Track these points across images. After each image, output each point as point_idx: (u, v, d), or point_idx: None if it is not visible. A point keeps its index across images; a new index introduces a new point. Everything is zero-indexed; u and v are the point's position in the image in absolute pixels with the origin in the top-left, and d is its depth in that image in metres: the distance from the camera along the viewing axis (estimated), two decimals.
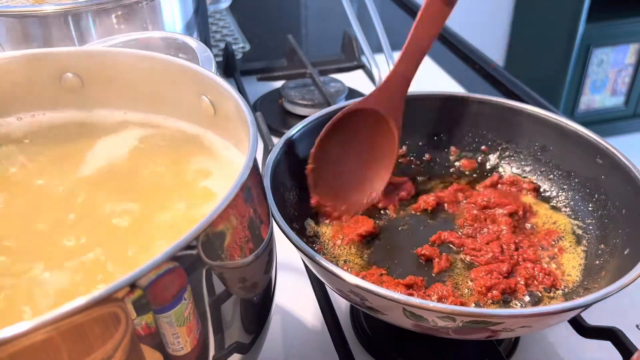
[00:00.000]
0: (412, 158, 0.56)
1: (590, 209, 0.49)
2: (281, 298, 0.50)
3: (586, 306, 0.36)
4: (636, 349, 0.41)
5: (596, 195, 0.49)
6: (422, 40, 0.49)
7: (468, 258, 0.46)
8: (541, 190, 0.53)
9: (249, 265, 0.30)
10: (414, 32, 0.49)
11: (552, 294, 0.43)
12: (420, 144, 0.57)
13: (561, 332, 0.47)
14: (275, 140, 0.67)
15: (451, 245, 0.48)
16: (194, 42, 0.45)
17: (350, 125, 0.50)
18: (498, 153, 0.56)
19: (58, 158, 0.39)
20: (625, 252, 0.43)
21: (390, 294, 0.35)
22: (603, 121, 2.05)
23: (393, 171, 0.51)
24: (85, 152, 0.39)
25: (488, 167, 0.56)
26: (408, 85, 0.50)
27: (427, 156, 0.57)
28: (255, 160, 0.30)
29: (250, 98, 0.81)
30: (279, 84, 0.83)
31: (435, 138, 0.57)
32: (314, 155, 0.49)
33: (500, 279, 0.43)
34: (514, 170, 0.55)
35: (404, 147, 0.56)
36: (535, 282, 0.44)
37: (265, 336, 0.35)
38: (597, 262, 0.45)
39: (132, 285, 0.22)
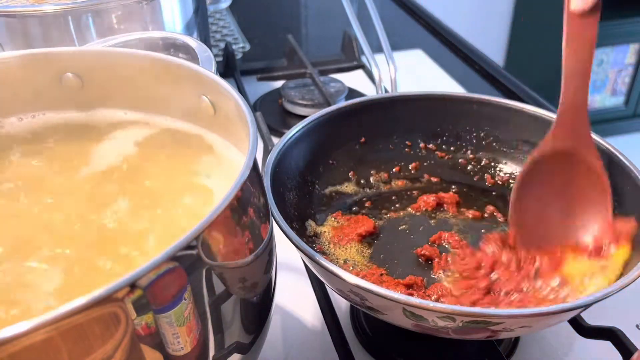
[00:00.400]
0: (411, 158, 0.57)
1: None
2: (281, 298, 0.50)
3: (586, 306, 0.36)
4: (636, 349, 0.41)
5: None
6: (577, 62, 0.43)
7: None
8: None
9: (249, 265, 0.30)
10: (565, 57, 0.43)
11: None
12: (420, 144, 0.57)
13: (561, 332, 0.47)
14: (275, 140, 0.67)
15: (448, 246, 0.48)
16: (194, 42, 0.45)
17: (544, 174, 0.44)
18: (498, 153, 0.56)
19: (58, 158, 0.39)
20: None
21: (390, 294, 0.35)
22: (603, 121, 2.05)
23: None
24: (86, 152, 0.39)
25: (488, 167, 0.56)
26: (585, 113, 0.44)
27: (427, 156, 0.57)
28: (255, 160, 0.30)
29: (250, 98, 0.82)
30: (279, 84, 0.83)
31: (436, 138, 0.57)
32: (513, 207, 0.44)
33: (481, 296, 0.41)
34: (513, 169, 0.55)
35: (406, 148, 0.56)
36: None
37: (265, 336, 0.35)
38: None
39: (132, 285, 0.22)
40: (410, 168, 0.56)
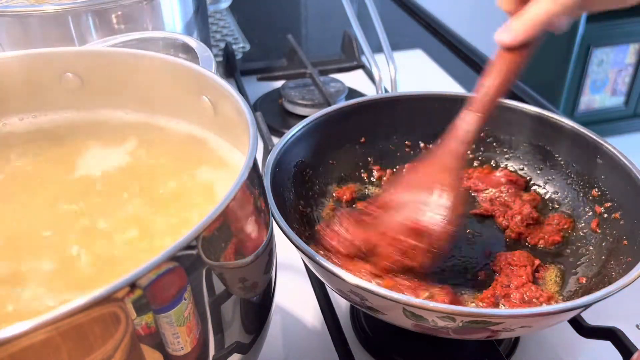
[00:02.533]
0: (412, 158, 0.57)
1: (589, 208, 0.49)
2: (281, 298, 0.50)
3: (586, 306, 0.36)
4: (636, 349, 0.41)
5: (596, 195, 0.49)
6: (483, 95, 0.43)
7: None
8: (540, 190, 0.53)
9: (249, 265, 0.30)
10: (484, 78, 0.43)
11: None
12: (420, 144, 0.57)
13: (561, 332, 0.47)
14: (275, 140, 0.67)
15: None
16: (194, 42, 0.45)
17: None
18: (498, 153, 0.56)
19: (58, 158, 0.39)
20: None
21: (390, 294, 0.35)
22: (603, 121, 2.04)
23: None
24: (86, 152, 0.39)
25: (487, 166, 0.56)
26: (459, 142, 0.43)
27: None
28: (255, 160, 0.30)
29: (250, 98, 0.82)
30: (279, 84, 0.83)
31: (435, 138, 0.57)
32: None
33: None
34: (514, 169, 0.55)
35: (407, 148, 0.56)
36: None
37: (265, 336, 0.35)
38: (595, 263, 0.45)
39: (132, 285, 0.22)
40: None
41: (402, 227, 0.41)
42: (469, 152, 0.56)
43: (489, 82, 0.43)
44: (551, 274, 0.46)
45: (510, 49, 0.42)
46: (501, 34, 0.42)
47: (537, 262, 0.46)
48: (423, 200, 0.41)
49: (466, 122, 0.43)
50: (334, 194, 0.53)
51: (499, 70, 0.42)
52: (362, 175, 0.55)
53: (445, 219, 0.40)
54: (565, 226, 0.49)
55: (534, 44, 0.41)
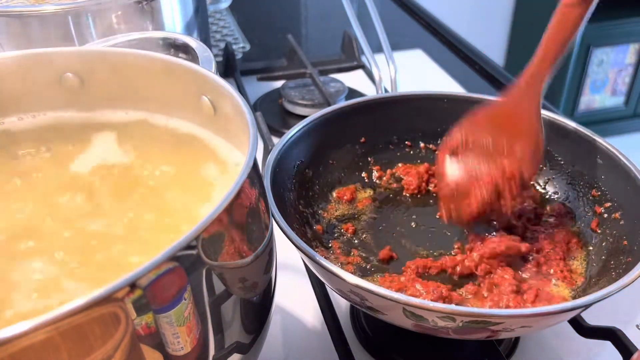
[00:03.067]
0: (412, 158, 0.57)
1: (588, 208, 0.49)
2: (281, 298, 0.50)
3: (586, 306, 0.36)
4: (636, 349, 0.41)
5: (596, 195, 0.49)
6: (552, 43, 0.45)
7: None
8: (540, 190, 0.53)
9: (249, 265, 0.30)
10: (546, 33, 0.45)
11: None
12: (420, 144, 0.57)
13: (561, 332, 0.47)
14: (275, 140, 0.67)
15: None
16: (194, 42, 0.45)
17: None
18: None
19: (58, 158, 0.39)
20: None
21: (390, 294, 0.35)
22: (603, 121, 2.04)
23: None
24: (86, 152, 0.39)
25: None
26: (540, 84, 0.46)
27: (427, 156, 0.57)
28: (255, 160, 0.30)
29: (250, 98, 0.82)
30: (279, 84, 0.83)
31: (435, 138, 0.57)
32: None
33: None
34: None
35: (407, 147, 0.56)
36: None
37: (265, 336, 0.35)
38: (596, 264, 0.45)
39: (132, 285, 0.22)
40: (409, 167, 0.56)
41: (493, 173, 0.45)
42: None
43: (559, 34, 0.45)
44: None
45: (569, 4, 0.44)
46: None
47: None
48: (510, 153, 0.45)
49: (538, 71, 0.46)
50: (334, 194, 0.53)
51: (568, 21, 0.44)
52: (362, 175, 0.55)
53: (529, 162, 0.44)
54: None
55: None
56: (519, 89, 0.47)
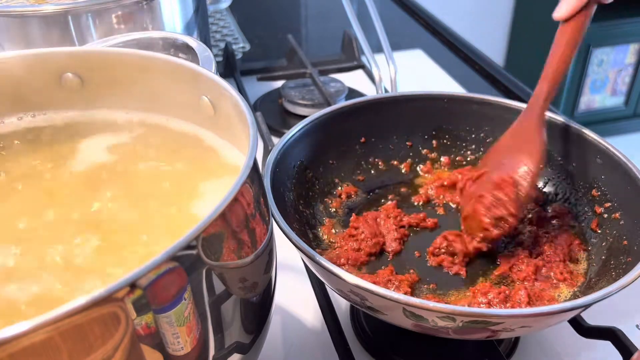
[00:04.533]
0: (412, 158, 0.57)
1: (588, 208, 0.49)
2: (281, 298, 0.50)
3: (586, 306, 0.36)
4: (636, 349, 0.41)
5: (596, 195, 0.49)
6: (556, 62, 0.47)
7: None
8: (540, 189, 0.53)
9: (249, 265, 0.30)
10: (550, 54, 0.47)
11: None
12: (420, 144, 0.57)
13: (561, 332, 0.47)
14: (275, 140, 0.67)
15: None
16: (194, 42, 0.45)
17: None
18: None
19: (58, 157, 0.39)
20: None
21: (390, 294, 0.35)
22: (603, 121, 2.05)
23: None
24: (86, 152, 0.39)
25: None
26: (544, 102, 0.48)
27: (427, 155, 0.57)
28: (255, 160, 0.30)
29: (250, 98, 0.82)
30: (279, 84, 0.83)
31: (435, 138, 0.57)
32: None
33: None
34: None
35: (407, 146, 0.56)
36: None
37: (265, 336, 0.35)
38: (595, 264, 0.45)
39: (132, 285, 0.22)
40: (409, 167, 0.56)
41: (496, 183, 0.46)
42: (469, 152, 0.56)
43: (555, 54, 0.47)
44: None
45: (567, 20, 0.45)
46: (557, 12, 0.45)
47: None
48: (513, 164, 0.47)
49: (540, 91, 0.48)
50: (334, 194, 0.53)
51: (561, 42, 0.46)
52: (362, 175, 0.55)
53: (531, 173, 0.45)
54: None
55: (588, 11, 0.45)
56: (528, 110, 0.48)
